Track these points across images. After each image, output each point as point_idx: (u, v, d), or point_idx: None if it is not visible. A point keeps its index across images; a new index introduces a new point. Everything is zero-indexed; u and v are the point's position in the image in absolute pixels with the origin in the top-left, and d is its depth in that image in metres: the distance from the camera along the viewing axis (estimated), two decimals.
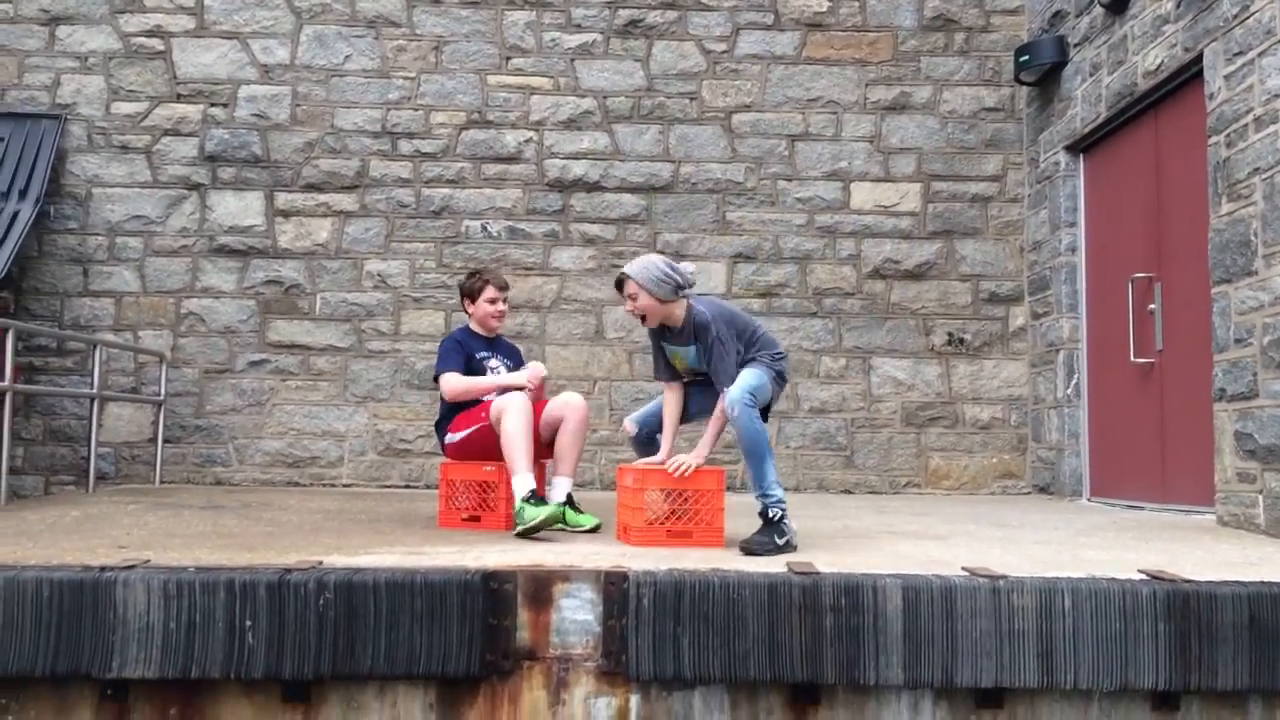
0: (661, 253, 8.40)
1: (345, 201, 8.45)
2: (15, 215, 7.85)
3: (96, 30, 8.47)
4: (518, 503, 4.70)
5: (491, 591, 3.44)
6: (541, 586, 3.48)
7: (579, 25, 8.59)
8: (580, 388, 8.04)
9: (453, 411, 5.19)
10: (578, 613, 3.48)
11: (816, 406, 8.35)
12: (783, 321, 8.40)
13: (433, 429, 8.11)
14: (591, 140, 8.53)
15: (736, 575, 3.47)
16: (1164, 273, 6.64)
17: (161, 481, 7.99)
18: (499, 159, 8.50)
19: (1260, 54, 5.38)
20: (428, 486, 8.04)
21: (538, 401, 4.98)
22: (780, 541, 4.13)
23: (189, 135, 8.45)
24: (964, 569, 3.64)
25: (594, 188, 8.49)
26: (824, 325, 8.45)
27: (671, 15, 8.61)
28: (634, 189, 8.50)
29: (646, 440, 4.73)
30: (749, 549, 4.08)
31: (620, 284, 4.50)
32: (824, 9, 8.63)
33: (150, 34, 8.49)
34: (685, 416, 4.74)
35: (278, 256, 8.40)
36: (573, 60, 8.58)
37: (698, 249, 8.47)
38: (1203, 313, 5.98)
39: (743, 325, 4.54)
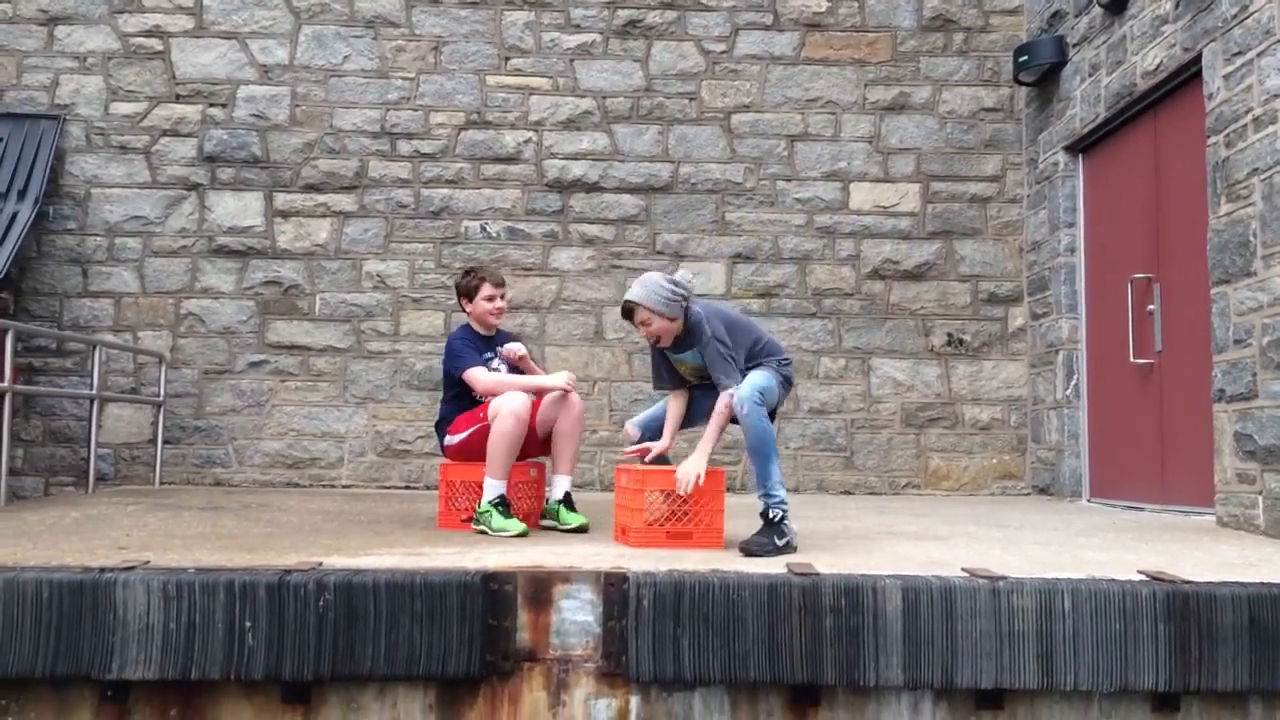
0: (660, 253, 8.44)
1: (344, 202, 8.45)
2: (14, 216, 7.85)
3: (95, 30, 8.47)
4: (483, 503, 4.71)
5: (491, 592, 3.43)
6: (541, 587, 3.48)
7: (578, 25, 8.59)
8: (580, 388, 7.94)
9: (453, 412, 5.19)
10: (578, 614, 3.48)
11: (816, 407, 8.35)
12: (782, 322, 8.40)
13: (431, 430, 8.15)
14: (591, 141, 8.53)
15: (736, 576, 3.47)
16: (1163, 273, 6.64)
17: (161, 482, 7.98)
18: (498, 159, 8.50)
19: (1259, 54, 5.38)
20: (427, 487, 8.04)
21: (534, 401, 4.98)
22: (780, 543, 4.13)
23: (188, 136, 8.45)
24: (964, 570, 3.64)
25: (593, 188, 8.49)
26: (823, 326, 8.45)
27: (670, 15, 8.61)
28: (633, 189, 8.50)
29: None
30: (748, 550, 4.08)
31: (629, 313, 4.42)
32: (823, 9, 8.63)
33: (149, 34, 8.49)
34: (688, 420, 4.72)
35: (277, 257, 8.40)
36: (572, 60, 8.58)
37: (697, 249, 8.47)
38: (1202, 313, 5.98)
39: (744, 330, 4.53)
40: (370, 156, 8.48)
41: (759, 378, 4.33)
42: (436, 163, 8.48)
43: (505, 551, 4.03)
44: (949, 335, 8.47)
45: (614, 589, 3.45)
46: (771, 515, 4.21)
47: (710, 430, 4.34)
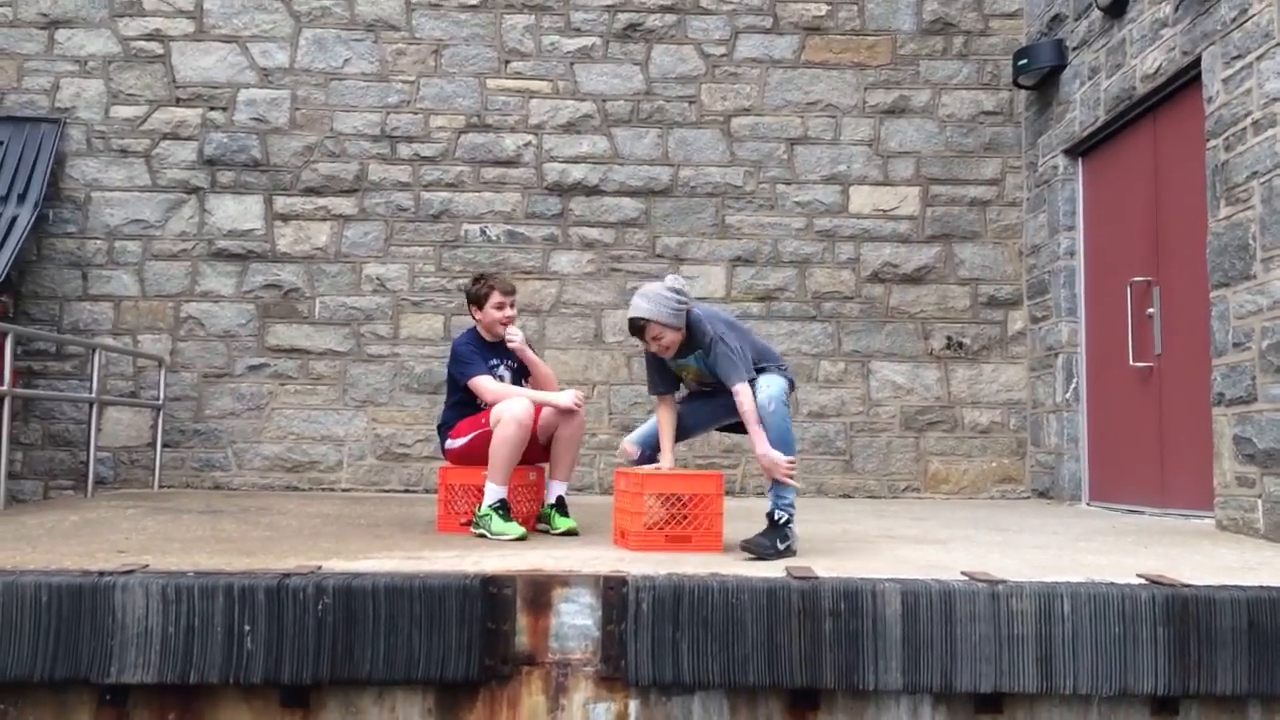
0: (660, 256, 8.44)
1: (344, 205, 8.45)
2: (14, 219, 7.85)
3: (96, 34, 8.48)
4: (483, 507, 4.71)
5: (490, 596, 3.43)
6: (540, 591, 3.48)
7: (578, 29, 8.60)
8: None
9: (456, 416, 5.18)
10: (576, 617, 3.47)
11: (815, 410, 8.35)
12: (782, 325, 8.41)
13: (431, 433, 8.15)
14: (591, 144, 8.54)
15: (735, 580, 3.46)
16: (1163, 276, 6.64)
17: (160, 486, 7.98)
18: (498, 162, 8.50)
19: (1259, 57, 5.39)
20: (427, 491, 8.04)
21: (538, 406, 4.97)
22: (781, 547, 4.12)
23: (188, 139, 8.45)
24: (963, 573, 3.64)
25: (593, 191, 8.50)
26: (823, 329, 8.46)
27: (670, 19, 8.62)
28: (633, 192, 8.50)
29: (649, 461, 4.68)
30: (748, 546, 4.07)
31: (640, 330, 4.38)
32: (823, 13, 8.64)
33: (149, 38, 8.50)
34: (684, 432, 4.69)
35: (277, 260, 8.40)
36: (572, 64, 8.59)
37: (696, 253, 8.47)
38: (1201, 316, 5.98)
39: (742, 333, 4.52)
40: (370, 160, 8.48)
41: (776, 382, 4.33)
42: (436, 166, 8.49)
43: (504, 555, 4.03)
44: (948, 338, 8.47)
45: (613, 593, 3.45)
46: (777, 517, 4.20)
47: (753, 428, 4.25)
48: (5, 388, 5.88)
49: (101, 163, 8.41)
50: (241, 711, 3.43)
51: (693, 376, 4.58)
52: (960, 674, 3.38)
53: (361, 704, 3.44)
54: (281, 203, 8.44)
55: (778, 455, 4.21)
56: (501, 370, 5.18)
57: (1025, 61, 7.96)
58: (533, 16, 8.60)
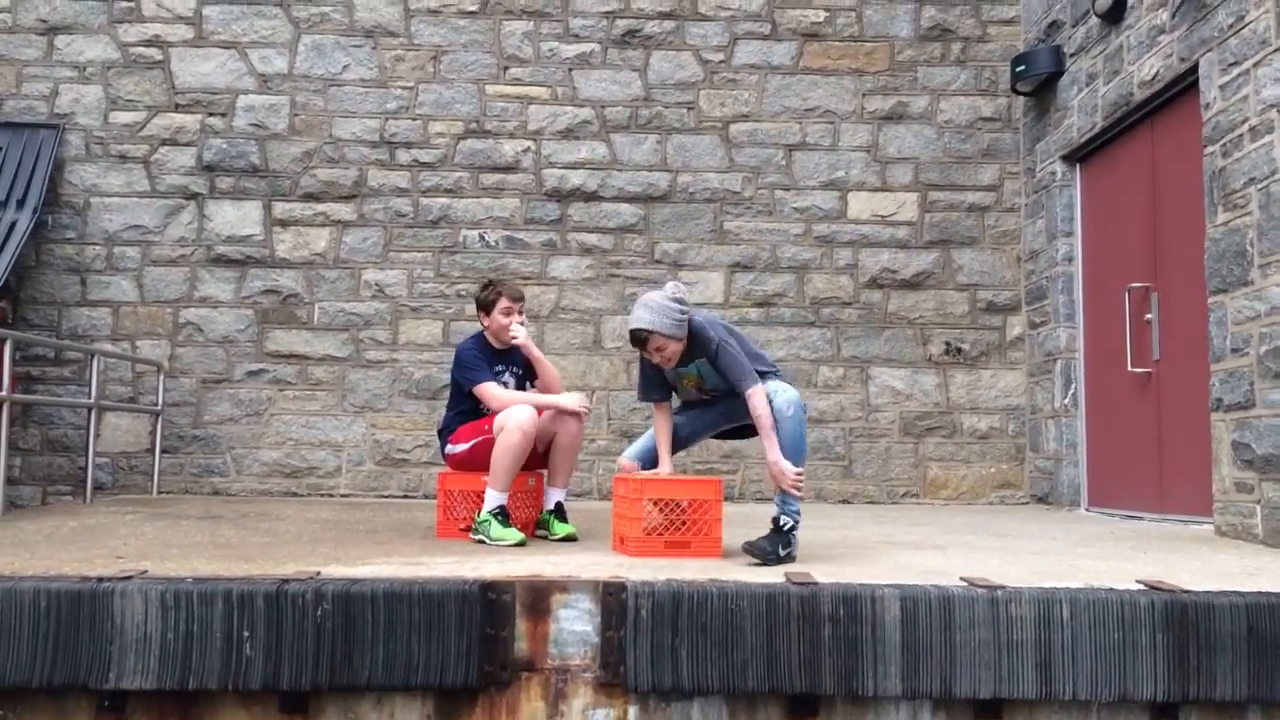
0: (659, 262, 8.45)
1: (343, 211, 8.46)
2: (13, 225, 7.86)
3: (95, 40, 8.49)
4: (483, 513, 4.70)
5: (489, 602, 3.43)
6: (539, 597, 3.48)
7: (577, 35, 8.62)
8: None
9: (458, 420, 5.17)
10: (576, 623, 3.47)
11: (814, 416, 8.35)
12: (780, 331, 8.41)
13: (430, 438, 8.15)
14: (589, 150, 8.55)
15: (735, 586, 3.46)
16: (1161, 282, 6.65)
17: (159, 492, 7.98)
18: (497, 168, 8.51)
19: (1256, 64, 5.40)
20: (426, 496, 8.03)
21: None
22: (782, 553, 4.12)
23: (187, 145, 8.46)
24: (962, 579, 3.64)
25: (592, 197, 8.50)
26: (821, 335, 8.46)
27: (669, 25, 8.64)
28: (631, 198, 8.51)
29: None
30: (750, 548, 4.06)
31: (642, 341, 4.34)
32: (821, 19, 8.66)
33: (149, 44, 8.51)
34: (681, 442, 4.68)
35: (276, 266, 8.41)
36: (571, 70, 8.60)
37: (695, 258, 8.48)
38: (1199, 322, 5.99)
39: (741, 338, 4.51)
40: (369, 166, 8.49)
41: (791, 389, 4.33)
42: (435, 172, 8.50)
43: (503, 561, 4.03)
44: (947, 344, 8.48)
45: (612, 598, 3.45)
46: (782, 523, 4.20)
47: (766, 434, 4.23)
48: (4, 393, 5.88)
49: (100, 168, 8.42)
50: (240, 717, 3.43)
51: (693, 384, 4.56)
52: (959, 680, 3.38)
53: (360, 710, 3.44)
54: (280, 208, 8.44)
55: (788, 465, 4.20)
56: (506, 377, 5.16)
57: (1023, 68, 7.98)
58: (531, 23, 8.62)
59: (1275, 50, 5.27)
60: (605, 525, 5.05)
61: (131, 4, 8.52)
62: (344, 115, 8.52)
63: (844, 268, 8.51)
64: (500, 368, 5.16)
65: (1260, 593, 3.48)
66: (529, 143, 8.54)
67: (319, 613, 3.35)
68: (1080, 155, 7.73)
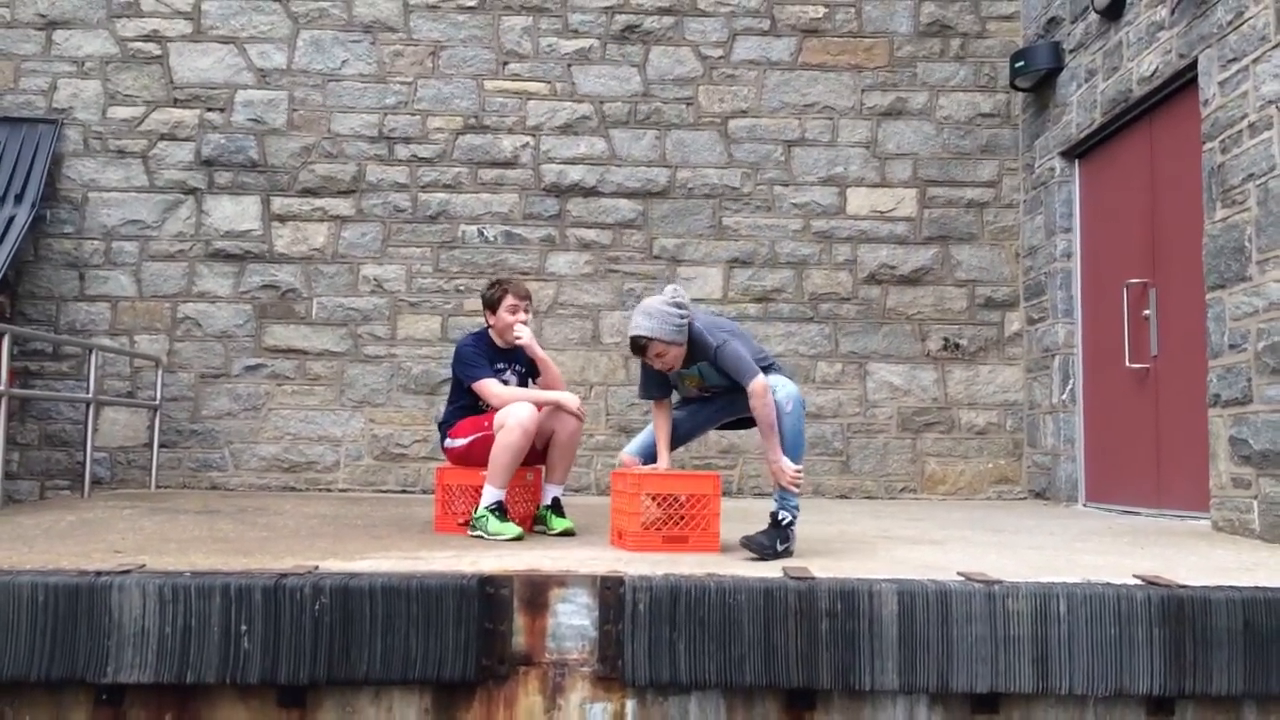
0: (657, 258, 8.45)
1: (342, 206, 8.45)
2: (11, 219, 7.85)
3: (93, 35, 8.48)
4: (480, 509, 4.70)
5: (487, 596, 3.43)
6: (538, 591, 3.48)
7: (576, 31, 8.61)
8: (576, 393, 8.00)
9: (457, 414, 5.17)
10: (574, 618, 3.48)
11: (812, 412, 8.35)
12: (779, 327, 8.41)
13: (429, 433, 8.15)
14: (588, 145, 8.54)
15: (732, 580, 3.47)
16: (1159, 278, 6.66)
17: (157, 486, 7.98)
18: (496, 164, 8.51)
19: (1255, 60, 5.40)
20: (424, 491, 8.03)
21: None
22: (780, 547, 4.12)
23: (185, 140, 8.45)
24: (959, 574, 3.65)
25: (590, 193, 8.50)
26: (820, 330, 8.46)
27: (668, 21, 8.63)
28: (630, 194, 8.51)
29: None
30: (748, 543, 4.08)
31: (642, 348, 4.33)
32: (820, 15, 8.65)
33: (147, 39, 8.50)
34: (681, 438, 4.68)
35: (274, 261, 8.40)
36: (570, 65, 8.59)
37: (694, 254, 8.47)
38: (1198, 318, 5.99)
39: (743, 336, 4.50)
40: (368, 161, 8.48)
41: (792, 383, 4.33)
42: (434, 167, 8.49)
43: (501, 555, 4.03)
44: (945, 340, 8.48)
45: (610, 593, 3.45)
46: (780, 518, 4.20)
47: (767, 432, 4.23)
48: (2, 388, 5.88)
49: (99, 163, 8.41)
50: (238, 711, 3.43)
51: (694, 384, 4.55)
52: (956, 674, 3.38)
53: (358, 704, 3.44)
54: (279, 203, 8.44)
55: (788, 463, 4.21)
56: (508, 375, 5.15)
57: (1022, 64, 7.97)
58: (530, 18, 8.61)
59: (1274, 46, 5.27)
60: (603, 520, 5.05)
61: None
62: (343, 110, 8.51)
63: (843, 263, 8.51)
64: (502, 365, 5.15)
65: (1257, 588, 3.49)
66: (528, 138, 8.53)
67: (317, 607, 3.35)
68: (1079, 151, 7.73)
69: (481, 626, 3.41)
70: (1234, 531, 5.46)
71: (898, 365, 8.46)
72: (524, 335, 5.08)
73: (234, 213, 8.42)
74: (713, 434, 7.98)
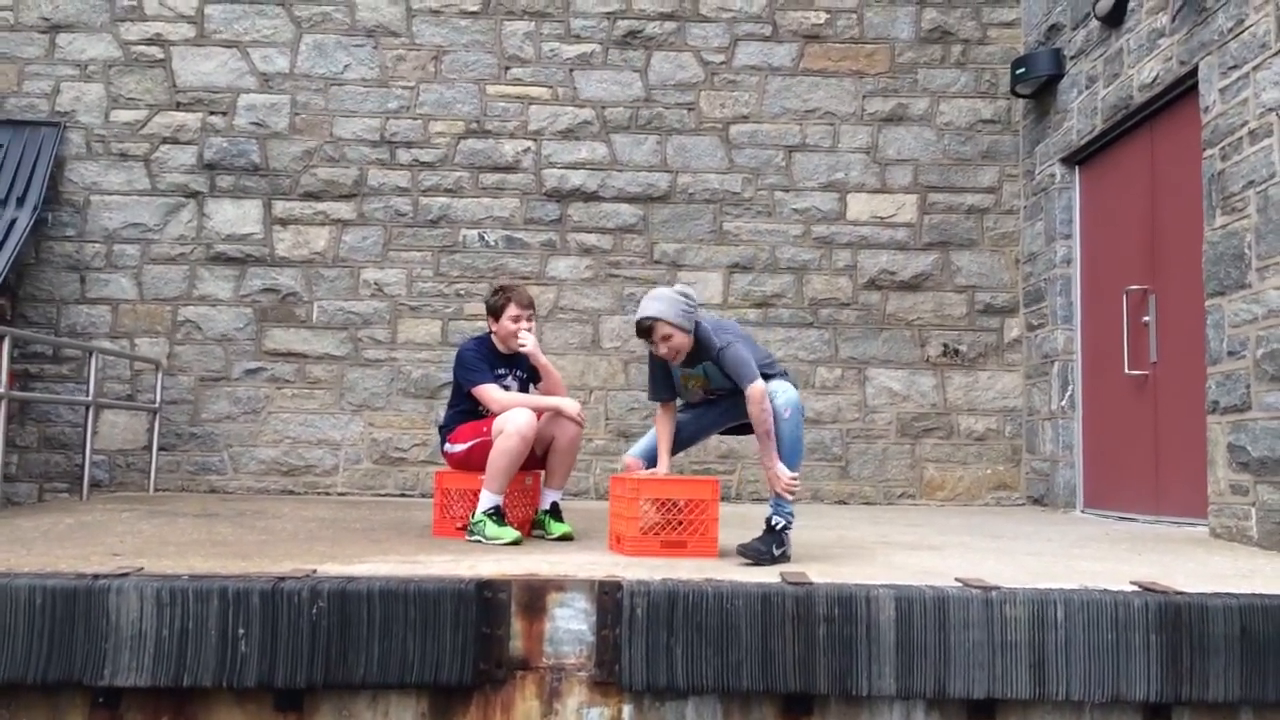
0: (658, 263, 8.45)
1: (343, 210, 8.46)
2: (13, 222, 7.86)
3: (97, 38, 8.50)
4: (478, 514, 4.71)
5: (485, 601, 3.44)
6: (535, 596, 3.48)
7: (578, 36, 8.62)
8: (576, 397, 8.00)
9: (457, 419, 5.17)
10: (571, 622, 3.48)
11: (812, 417, 8.35)
12: (779, 332, 8.42)
13: (428, 437, 8.16)
14: (589, 150, 8.55)
15: (730, 585, 3.47)
16: (1159, 285, 6.66)
17: (156, 489, 7.98)
18: (497, 168, 8.52)
19: (1255, 68, 5.41)
20: (423, 495, 8.04)
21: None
22: (776, 552, 4.13)
23: (188, 143, 8.47)
24: (957, 580, 3.65)
25: (591, 197, 8.51)
26: (820, 336, 8.47)
27: (670, 26, 8.64)
28: (631, 199, 8.52)
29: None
30: (745, 550, 4.08)
31: (648, 330, 4.33)
32: (821, 21, 8.67)
33: (150, 42, 8.52)
34: (683, 442, 4.69)
35: (275, 265, 8.41)
36: (571, 70, 8.61)
37: (694, 259, 8.48)
38: (1197, 325, 6.00)
39: (748, 340, 4.50)
40: (369, 165, 8.50)
41: (792, 390, 4.34)
42: (435, 171, 8.51)
43: (499, 560, 4.04)
44: (945, 346, 8.48)
45: (608, 597, 3.45)
46: (775, 523, 4.21)
47: (763, 439, 4.24)
48: (2, 390, 5.89)
49: (101, 166, 8.43)
50: (235, 715, 3.43)
51: (699, 385, 4.56)
52: (954, 680, 3.38)
53: (355, 708, 3.44)
54: (280, 207, 8.45)
55: (783, 469, 4.22)
56: (509, 380, 5.15)
57: (1023, 70, 7.98)
58: (533, 23, 8.63)
59: (1275, 54, 5.27)
60: (602, 525, 5.05)
61: (134, 2, 8.53)
62: (345, 115, 8.53)
63: (843, 269, 8.52)
64: (503, 370, 5.15)
65: (1254, 595, 3.49)
66: (529, 143, 8.55)
67: (314, 611, 3.35)
68: (1080, 158, 7.74)
69: (479, 631, 3.41)
70: (1232, 538, 5.46)
71: (897, 371, 8.46)
72: (528, 343, 5.08)
73: (235, 216, 8.43)
74: (712, 439, 7.99)
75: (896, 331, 8.48)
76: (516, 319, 5.08)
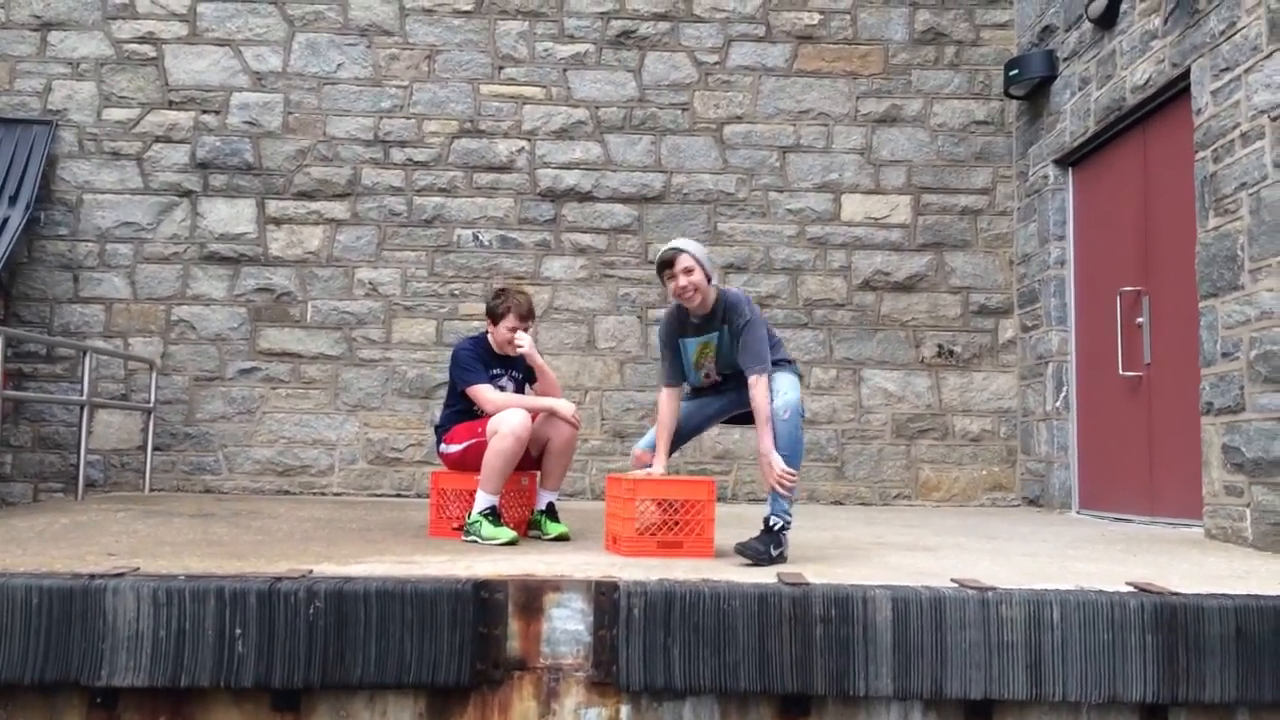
0: (652, 263, 8.45)
1: (337, 209, 8.45)
2: (5, 221, 7.83)
3: (89, 36, 8.47)
4: (473, 514, 4.71)
5: (482, 601, 3.43)
6: (532, 596, 3.48)
7: (572, 35, 8.62)
8: (571, 398, 8.01)
9: (453, 419, 5.17)
10: (568, 622, 3.48)
11: (807, 418, 8.31)
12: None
13: (423, 437, 8.15)
14: (584, 150, 8.55)
15: (727, 586, 3.47)
16: (1152, 286, 6.68)
17: (151, 489, 7.96)
18: (491, 168, 8.51)
19: (1247, 70, 5.43)
20: (418, 495, 8.03)
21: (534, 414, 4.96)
22: (774, 553, 4.13)
23: (180, 142, 8.45)
24: (953, 580, 3.65)
25: (586, 198, 8.51)
26: (814, 336, 8.48)
27: (664, 26, 8.65)
28: (625, 199, 8.52)
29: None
30: (743, 549, 4.09)
31: (669, 263, 4.35)
32: (815, 22, 8.68)
33: (142, 40, 8.49)
34: (684, 434, 4.68)
35: (269, 264, 8.40)
36: (565, 70, 8.61)
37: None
38: (1190, 326, 6.02)
39: (766, 327, 4.52)
40: (363, 164, 8.48)
41: (794, 389, 4.34)
42: (429, 171, 8.50)
43: (496, 560, 4.04)
44: (939, 347, 8.50)
45: (605, 598, 3.45)
46: (772, 523, 4.21)
47: (762, 424, 4.25)
48: None
49: (93, 165, 8.40)
50: (232, 715, 3.42)
51: (709, 356, 4.53)
52: (950, 680, 3.39)
53: (353, 708, 3.44)
54: (274, 206, 8.43)
55: (777, 459, 4.22)
56: (504, 381, 5.15)
57: (1016, 72, 8.00)
58: (526, 23, 8.62)
59: (1267, 56, 5.30)
60: (598, 525, 5.05)
61: (126, 1, 8.50)
62: (338, 114, 8.51)
63: (837, 270, 8.53)
64: (498, 371, 5.15)
65: (1249, 595, 3.51)
66: (523, 143, 8.54)
67: (311, 611, 3.35)
68: (1072, 159, 7.76)
69: (476, 631, 3.40)
70: (1227, 539, 5.48)
71: (892, 372, 8.47)
72: (525, 344, 5.08)
73: (229, 215, 8.41)
74: (708, 439, 8.03)
75: (891, 332, 8.50)
76: (513, 329, 5.08)
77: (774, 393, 4.27)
